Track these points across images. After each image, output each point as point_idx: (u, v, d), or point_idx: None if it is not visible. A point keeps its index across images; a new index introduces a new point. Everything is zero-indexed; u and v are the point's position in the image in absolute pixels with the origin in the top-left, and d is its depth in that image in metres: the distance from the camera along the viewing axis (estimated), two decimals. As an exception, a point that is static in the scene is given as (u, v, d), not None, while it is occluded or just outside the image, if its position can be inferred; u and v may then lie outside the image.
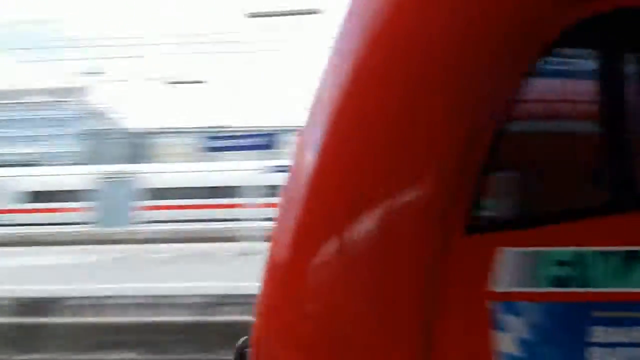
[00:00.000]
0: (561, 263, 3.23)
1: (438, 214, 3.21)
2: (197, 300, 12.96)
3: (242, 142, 26.87)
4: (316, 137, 3.51)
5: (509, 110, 3.20)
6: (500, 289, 3.13)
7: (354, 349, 3.34)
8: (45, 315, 13.02)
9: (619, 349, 2.87)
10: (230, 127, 60.33)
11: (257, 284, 3.31)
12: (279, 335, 3.48)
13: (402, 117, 3.30)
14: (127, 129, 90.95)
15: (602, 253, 3.06)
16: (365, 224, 3.24)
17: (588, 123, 3.24)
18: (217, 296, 13.03)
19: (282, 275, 3.51)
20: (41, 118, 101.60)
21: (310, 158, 3.40)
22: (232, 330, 9.63)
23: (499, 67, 3.21)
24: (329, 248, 3.37)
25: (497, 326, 3.14)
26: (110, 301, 13.35)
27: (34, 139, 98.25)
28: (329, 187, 3.29)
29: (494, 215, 3.35)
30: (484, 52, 3.15)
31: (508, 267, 3.19)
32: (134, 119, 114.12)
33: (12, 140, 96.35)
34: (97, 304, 13.31)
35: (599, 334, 2.98)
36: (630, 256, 2.91)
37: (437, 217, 3.22)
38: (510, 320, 3.19)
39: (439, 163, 3.26)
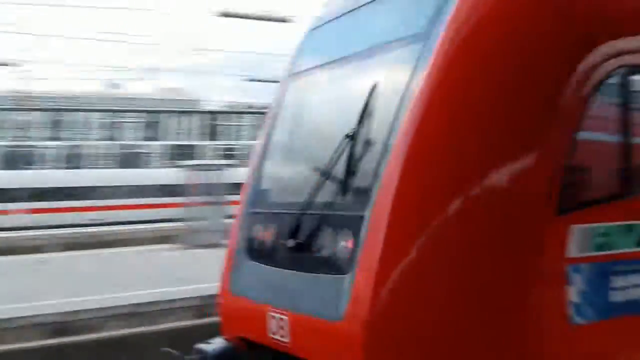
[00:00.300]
0: (602, 234, 5.33)
1: (540, 200, 4.95)
2: None
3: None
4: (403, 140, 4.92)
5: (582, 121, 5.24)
6: (571, 255, 5.06)
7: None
8: None
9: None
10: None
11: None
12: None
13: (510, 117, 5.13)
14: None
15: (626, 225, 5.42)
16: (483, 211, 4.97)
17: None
18: None
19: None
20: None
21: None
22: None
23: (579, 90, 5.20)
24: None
25: (569, 282, 5.03)
26: None
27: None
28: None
29: (574, 200, 5.22)
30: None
31: (576, 239, 5.10)
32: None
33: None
34: None
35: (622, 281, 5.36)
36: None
37: (540, 202, 4.95)
38: (575, 277, 5.10)
39: (540, 163, 4.98)
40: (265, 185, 7.25)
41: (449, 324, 4.70)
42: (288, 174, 7.02)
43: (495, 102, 5.04)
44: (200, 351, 6.35)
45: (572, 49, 5.21)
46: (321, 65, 6.89)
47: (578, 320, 5.01)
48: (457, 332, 4.70)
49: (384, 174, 4.90)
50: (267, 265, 6.25)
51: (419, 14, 5.50)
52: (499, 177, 4.95)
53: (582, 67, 5.17)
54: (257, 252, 6.57)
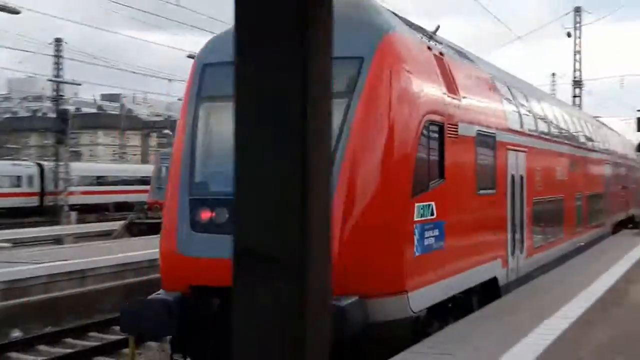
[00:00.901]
0: (421, 208, 11.66)
1: (409, 192, 11.05)
2: None
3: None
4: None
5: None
6: (414, 219, 11.19)
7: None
8: None
9: None
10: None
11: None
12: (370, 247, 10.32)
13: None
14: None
15: (427, 204, 11.76)
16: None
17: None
18: None
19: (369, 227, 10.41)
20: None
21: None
22: None
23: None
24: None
25: (414, 234, 11.29)
26: None
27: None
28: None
29: (415, 192, 11.15)
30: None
31: (416, 211, 11.25)
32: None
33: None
34: None
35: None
36: None
37: (409, 193, 11.06)
38: (416, 231, 11.40)
39: (408, 173, 11.18)
40: (198, 180, 10.70)
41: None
42: (223, 174, 10.19)
43: (389, 137, 10.65)
44: (157, 300, 10.23)
45: (416, 116, 11.35)
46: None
47: (417, 253, 10.88)
48: (379, 244, 10.48)
49: (342, 172, 10.31)
50: (218, 234, 9.67)
51: (342, 75, 10.24)
52: (392, 182, 10.83)
53: (419, 123, 11.29)
54: (204, 226, 10.18)
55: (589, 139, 25.56)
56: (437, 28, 14.80)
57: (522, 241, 16.17)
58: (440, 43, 14.37)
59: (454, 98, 12.62)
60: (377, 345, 9.61)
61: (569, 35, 45.52)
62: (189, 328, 9.91)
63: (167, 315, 9.74)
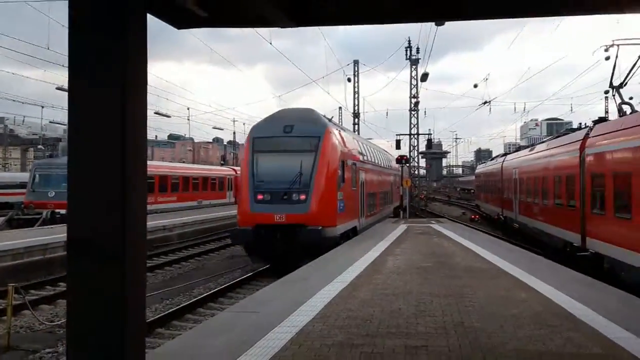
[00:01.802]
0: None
1: (335, 188, 21.35)
2: None
3: None
4: None
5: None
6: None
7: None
8: None
9: None
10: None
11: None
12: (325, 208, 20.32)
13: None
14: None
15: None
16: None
17: None
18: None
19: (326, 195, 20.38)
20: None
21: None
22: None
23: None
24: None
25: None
26: None
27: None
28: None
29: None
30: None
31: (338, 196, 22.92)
32: None
33: None
34: None
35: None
36: None
37: (335, 189, 21.57)
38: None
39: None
40: (256, 183, 19.93)
41: (335, 208, 20.50)
42: (272, 180, 19.86)
43: (334, 171, 20.51)
44: (245, 228, 19.66)
45: (340, 161, 21.42)
46: (269, 152, 20.50)
47: (338, 211, 20.53)
48: (336, 210, 20.64)
49: (315, 180, 19.72)
50: (270, 204, 19.39)
51: (312, 140, 20.33)
52: (331, 185, 20.43)
53: (338, 161, 21.29)
54: (258, 201, 19.47)
55: (383, 161, 36.99)
56: (332, 117, 29.02)
57: (363, 211, 26.90)
58: (340, 126, 29.69)
59: (345, 149, 23.29)
60: (326, 244, 19.17)
61: (349, 80, 53.29)
62: (254, 240, 19.51)
63: (250, 233, 19.36)
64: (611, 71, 19.39)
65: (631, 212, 14.16)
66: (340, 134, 23.31)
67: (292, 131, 20.68)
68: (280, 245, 19.15)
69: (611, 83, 19.40)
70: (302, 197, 19.50)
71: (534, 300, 10.45)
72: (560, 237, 21.28)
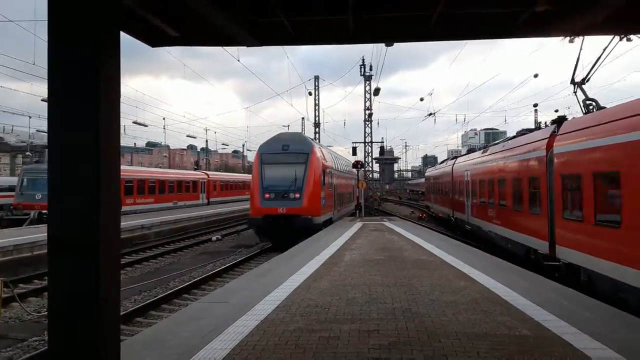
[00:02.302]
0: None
1: (319, 189, 26.74)
2: None
3: None
4: None
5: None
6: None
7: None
8: None
9: None
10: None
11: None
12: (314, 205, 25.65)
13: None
14: None
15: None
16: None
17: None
18: None
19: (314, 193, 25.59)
20: None
21: None
22: None
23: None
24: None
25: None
26: None
27: None
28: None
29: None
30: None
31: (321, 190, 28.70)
32: None
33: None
34: None
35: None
36: None
37: (320, 189, 26.98)
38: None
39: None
40: (264, 186, 25.12)
41: (320, 203, 25.67)
42: (276, 184, 25.24)
43: (318, 178, 25.61)
44: (258, 217, 25.07)
45: (322, 170, 26.60)
46: (273, 164, 25.54)
47: (322, 205, 25.85)
48: (320, 205, 25.83)
49: (305, 184, 25.01)
50: (274, 200, 24.71)
51: (303, 155, 25.65)
52: (317, 186, 25.59)
53: (321, 170, 26.59)
54: (265, 199, 24.75)
55: (346, 167, 40.18)
56: (315, 138, 41.45)
57: (336, 206, 31.88)
58: (320, 144, 34.32)
59: (325, 161, 28.67)
60: (314, 229, 24.29)
61: (310, 93, 53.84)
62: (263, 226, 24.57)
63: (260, 221, 24.35)
64: (574, 66, 16.08)
65: (621, 219, 10.88)
66: (321, 150, 29.34)
67: (289, 149, 26.31)
68: (282, 229, 24.48)
69: (573, 79, 16.07)
70: (297, 195, 24.95)
71: (472, 289, 10.60)
72: (522, 243, 17.85)
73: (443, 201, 39.15)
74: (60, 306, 4.43)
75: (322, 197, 26.11)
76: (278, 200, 24.65)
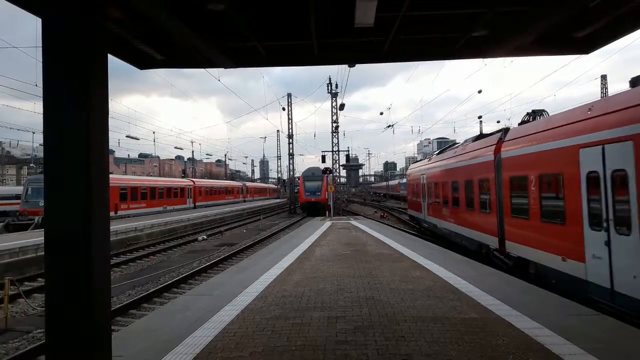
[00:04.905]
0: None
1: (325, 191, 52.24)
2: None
3: None
4: None
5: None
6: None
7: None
8: None
9: None
10: None
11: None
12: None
13: None
14: None
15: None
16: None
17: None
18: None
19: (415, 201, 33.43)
20: None
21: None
22: None
23: None
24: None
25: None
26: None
27: None
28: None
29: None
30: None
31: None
32: None
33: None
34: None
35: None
36: None
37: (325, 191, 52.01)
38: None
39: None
40: (305, 190, 52.76)
41: (327, 197, 44.85)
42: (310, 189, 52.26)
43: (325, 186, 46.74)
44: (301, 203, 54.39)
45: (327, 183, 50.16)
46: (309, 180, 52.01)
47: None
48: (327, 198, 44.95)
49: (322, 189, 50.11)
50: (308, 192, 52.06)
51: (321, 178, 49.81)
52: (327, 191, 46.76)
53: (327, 184, 47.67)
54: (308, 194, 52.14)
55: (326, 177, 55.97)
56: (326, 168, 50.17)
57: (330, 198, 43.24)
58: (327, 174, 47.95)
59: (327, 179, 49.55)
60: (325, 209, 44.10)
61: (284, 109, 56.41)
62: (306, 206, 51.16)
63: (306, 204, 51.94)
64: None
65: (565, 218, 10.49)
66: (327, 177, 47.67)
67: (314, 175, 51.19)
68: (313, 207, 49.10)
69: None
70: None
71: (427, 278, 10.67)
72: (475, 239, 17.18)
73: (412, 203, 37.12)
74: (57, 301, 4.34)
75: (327, 195, 43.69)
76: (311, 195, 50.58)
